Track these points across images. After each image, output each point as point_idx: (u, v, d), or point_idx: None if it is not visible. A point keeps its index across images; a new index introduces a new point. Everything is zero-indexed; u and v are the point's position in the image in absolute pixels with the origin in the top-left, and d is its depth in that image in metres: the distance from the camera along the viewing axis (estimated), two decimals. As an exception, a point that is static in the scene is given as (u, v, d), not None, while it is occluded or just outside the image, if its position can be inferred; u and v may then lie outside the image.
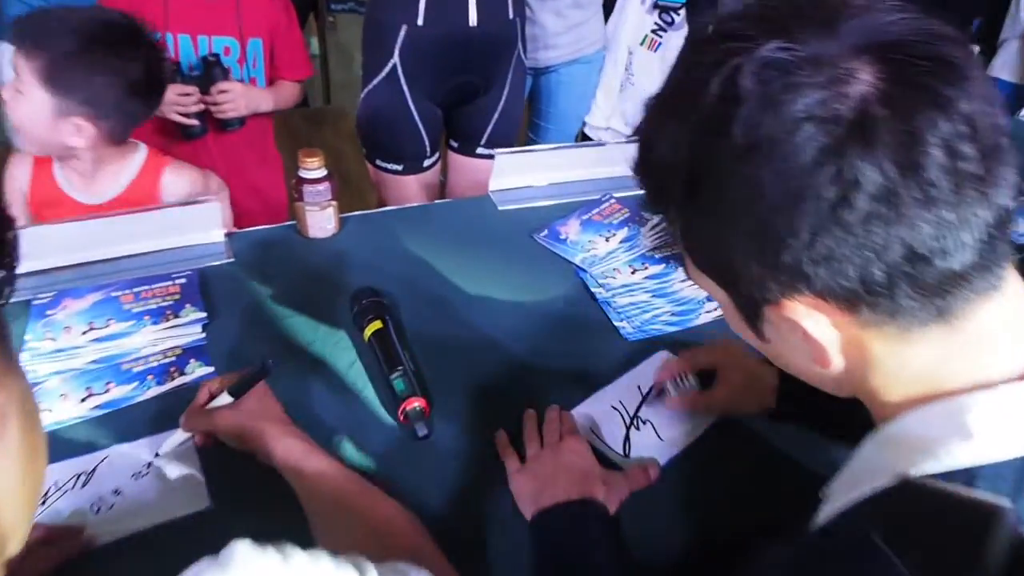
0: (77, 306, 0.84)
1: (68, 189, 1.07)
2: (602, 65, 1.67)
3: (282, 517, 0.60)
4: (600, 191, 1.14)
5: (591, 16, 1.56)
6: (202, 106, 1.31)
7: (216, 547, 0.40)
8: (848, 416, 0.48)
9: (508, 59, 1.36)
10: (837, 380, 0.42)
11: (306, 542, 0.57)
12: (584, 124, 1.74)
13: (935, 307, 0.36)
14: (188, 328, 0.83)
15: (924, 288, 0.36)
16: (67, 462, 0.67)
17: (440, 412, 0.75)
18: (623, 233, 1.04)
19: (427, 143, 1.39)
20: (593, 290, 0.94)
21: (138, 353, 0.80)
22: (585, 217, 1.08)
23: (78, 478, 0.65)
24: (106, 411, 0.73)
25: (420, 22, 1.25)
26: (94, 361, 0.78)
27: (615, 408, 0.76)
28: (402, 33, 1.26)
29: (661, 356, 0.83)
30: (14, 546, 0.34)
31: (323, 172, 0.98)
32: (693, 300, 0.92)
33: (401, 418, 0.72)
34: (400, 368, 0.75)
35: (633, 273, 0.97)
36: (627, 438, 0.73)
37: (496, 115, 1.42)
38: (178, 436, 0.68)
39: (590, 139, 1.73)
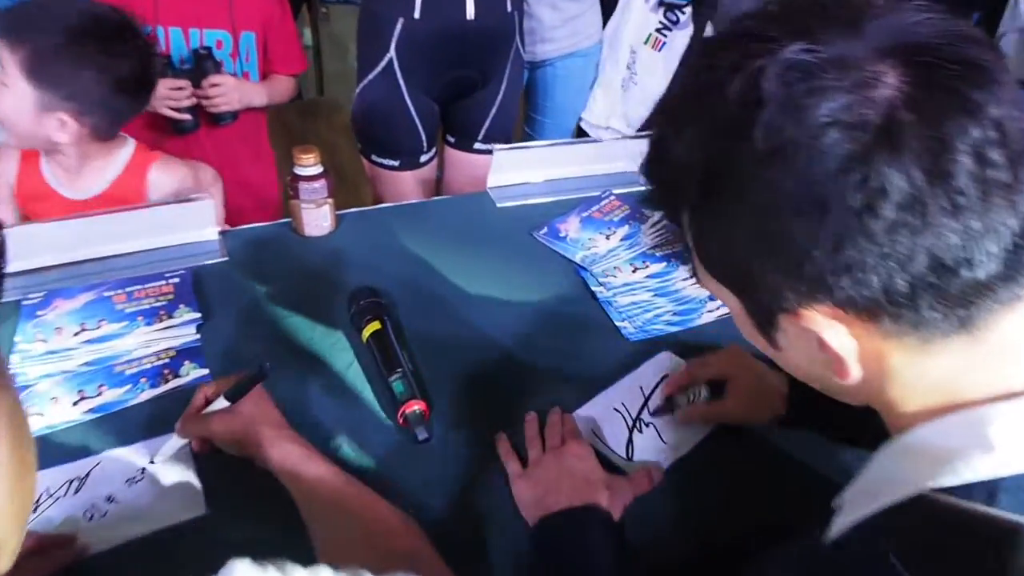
0: (68, 306, 0.82)
1: (54, 184, 1.05)
2: (599, 59, 1.65)
3: (280, 524, 0.59)
4: (599, 187, 1.12)
5: (587, 9, 1.54)
6: (194, 100, 1.28)
7: (213, 555, 0.39)
8: (858, 421, 0.48)
9: (506, 53, 1.34)
10: (852, 389, 0.41)
11: (305, 549, 0.56)
12: (580, 119, 1.72)
13: (958, 318, 0.36)
14: (182, 329, 0.82)
15: (948, 299, 0.35)
16: (59, 468, 0.65)
17: (439, 413, 0.74)
18: (623, 231, 1.03)
19: (424, 138, 1.38)
20: (594, 289, 0.93)
21: (131, 355, 0.78)
22: (585, 214, 1.06)
23: (70, 484, 0.64)
24: (99, 415, 0.72)
25: (417, 15, 1.23)
26: (86, 363, 0.77)
27: (617, 410, 0.75)
28: (398, 26, 1.24)
29: (663, 357, 0.82)
30: (4, 563, 0.33)
31: (319, 169, 0.96)
32: (695, 299, 0.92)
33: (400, 421, 0.71)
34: (399, 370, 0.74)
35: (634, 272, 0.96)
36: (630, 440, 0.72)
37: (494, 110, 1.40)
38: (174, 441, 0.66)
39: (587, 134, 1.72)
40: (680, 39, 1.56)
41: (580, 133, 1.74)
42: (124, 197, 1.04)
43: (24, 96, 0.93)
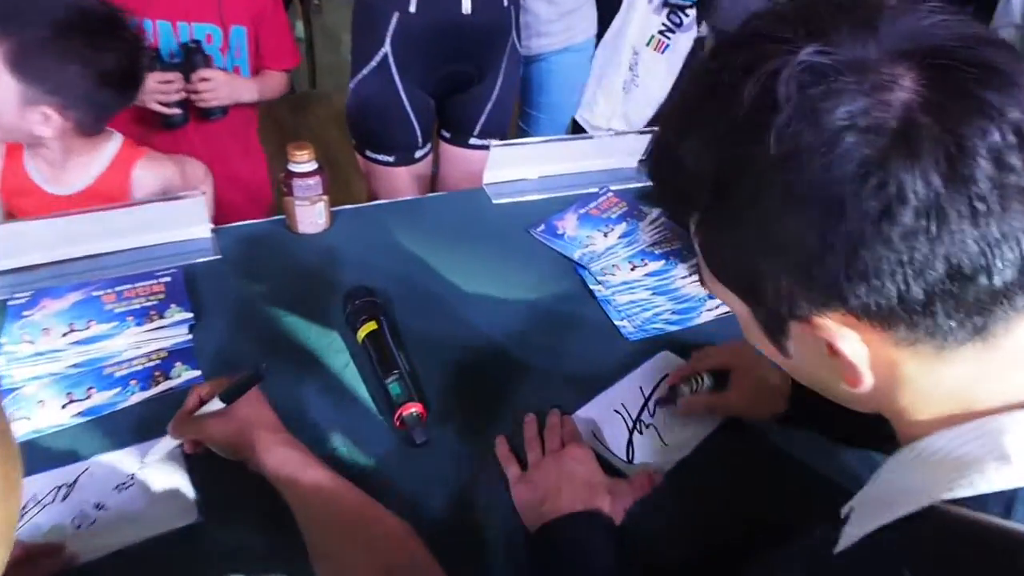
0: (56, 306, 0.81)
1: (37, 179, 1.03)
2: (593, 53, 1.64)
3: (275, 531, 0.58)
4: (597, 184, 1.11)
5: (584, 3, 1.53)
6: (184, 94, 1.26)
7: (206, 563, 0.38)
8: (859, 422, 0.47)
9: (502, 47, 1.33)
10: (862, 397, 0.40)
11: (300, 557, 0.55)
12: (581, 119, 1.71)
13: (973, 325, 0.35)
14: (174, 329, 0.80)
15: (964, 306, 0.34)
16: (46, 474, 0.64)
17: (436, 414, 0.73)
18: (621, 228, 1.02)
19: (419, 134, 1.36)
20: (592, 287, 0.92)
21: (121, 356, 0.77)
22: (582, 211, 1.05)
23: (58, 490, 0.63)
24: (88, 418, 0.70)
25: (412, 9, 1.21)
26: (75, 365, 0.75)
27: (617, 412, 0.75)
28: (394, 20, 1.23)
29: (663, 357, 0.81)
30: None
31: (313, 165, 0.94)
32: (694, 298, 0.91)
33: (397, 424, 0.70)
34: (396, 372, 0.73)
35: (633, 270, 0.95)
36: (630, 442, 0.72)
37: (490, 105, 1.39)
38: (165, 444, 0.65)
39: (583, 129, 1.70)
40: (683, 41, 1.55)
41: (576, 128, 1.73)
42: (109, 193, 1.02)
43: (7, 89, 0.91)
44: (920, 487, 0.37)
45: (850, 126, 0.32)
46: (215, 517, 0.62)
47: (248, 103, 1.36)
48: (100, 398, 0.72)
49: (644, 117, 1.64)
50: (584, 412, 0.74)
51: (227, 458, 0.63)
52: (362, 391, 0.76)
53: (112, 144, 1.05)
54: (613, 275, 0.94)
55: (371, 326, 0.78)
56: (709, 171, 0.36)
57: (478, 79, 1.35)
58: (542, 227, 1.02)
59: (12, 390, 0.72)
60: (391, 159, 1.38)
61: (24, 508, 0.60)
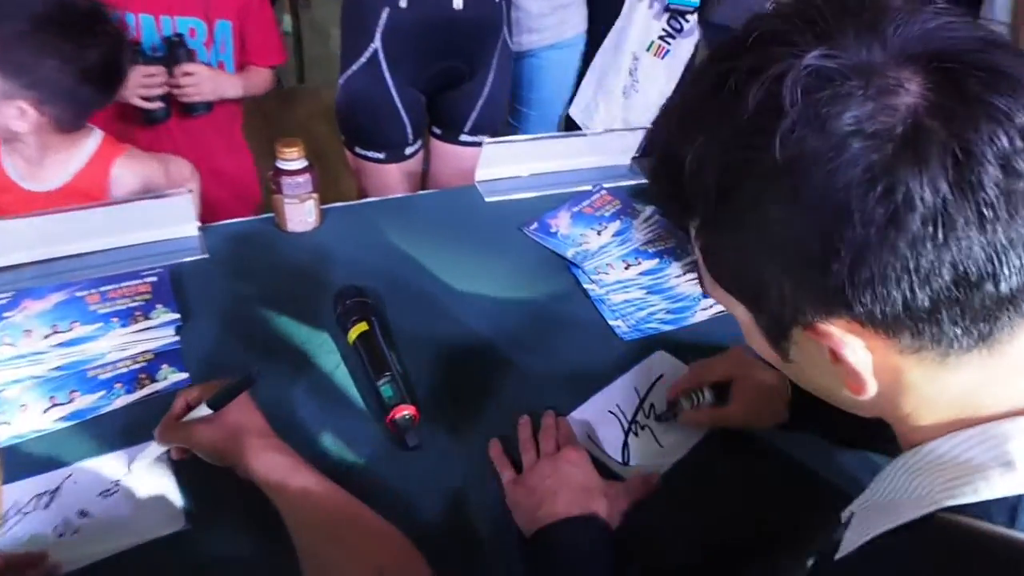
0: (38, 307, 0.79)
1: (14, 175, 1.01)
2: (584, 49, 1.63)
3: (264, 538, 0.57)
4: (590, 181, 1.10)
5: (575, -2, 1.52)
6: (166, 89, 1.24)
7: (194, 573, 0.37)
8: (860, 425, 0.46)
9: (494, 43, 1.32)
10: (866, 403, 0.40)
11: (290, 566, 0.54)
12: (574, 119, 1.70)
13: (979, 332, 0.34)
14: (160, 331, 0.78)
15: (970, 313, 0.33)
16: (28, 480, 0.63)
17: (429, 416, 0.72)
18: (615, 226, 1.01)
19: (409, 130, 1.35)
20: (586, 287, 0.91)
21: (105, 359, 0.75)
22: (576, 209, 1.04)
23: (40, 498, 0.61)
24: (71, 423, 0.69)
25: (403, 4, 1.20)
26: (57, 368, 0.73)
27: (612, 413, 0.74)
28: (384, 16, 1.21)
29: (658, 357, 0.81)
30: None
31: (303, 163, 0.93)
32: (688, 297, 0.90)
33: (389, 427, 0.69)
34: (388, 374, 0.72)
35: (627, 268, 0.94)
36: (625, 444, 0.71)
37: (481, 101, 1.38)
38: (151, 449, 0.64)
39: (575, 126, 1.69)
40: (684, 47, 1.54)
41: (569, 124, 1.71)
42: (87, 191, 1.00)
43: None
44: (922, 493, 0.36)
45: (856, 131, 0.31)
46: (203, 524, 0.61)
47: (232, 99, 1.34)
48: (84, 402, 0.70)
49: (644, 122, 1.63)
50: (579, 414, 0.74)
51: (215, 464, 0.62)
52: (353, 392, 0.75)
53: (91, 140, 1.03)
54: (607, 274, 0.93)
55: (362, 327, 0.77)
56: (712, 175, 0.35)
57: (469, 75, 1.34)
58: (535, 225, 1.01)
59: (-8, 394, 0.70)
60: (381, 156, 1.37)
61: (5, 516, 0.59)
